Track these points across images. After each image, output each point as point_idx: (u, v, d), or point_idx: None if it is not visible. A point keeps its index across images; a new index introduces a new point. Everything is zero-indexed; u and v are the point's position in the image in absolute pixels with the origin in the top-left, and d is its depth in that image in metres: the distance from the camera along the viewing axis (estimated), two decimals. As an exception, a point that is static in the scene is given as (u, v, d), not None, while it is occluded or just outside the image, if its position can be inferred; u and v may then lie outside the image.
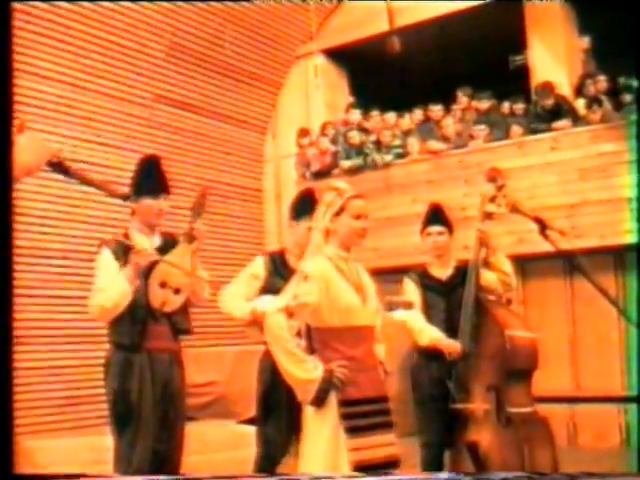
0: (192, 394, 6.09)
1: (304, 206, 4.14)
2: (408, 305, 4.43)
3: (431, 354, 4.35)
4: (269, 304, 3.73)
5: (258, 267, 4.18)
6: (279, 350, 3.08)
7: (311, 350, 3.16)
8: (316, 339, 3.16)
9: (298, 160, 9.44)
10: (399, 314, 4.45)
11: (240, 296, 4.10)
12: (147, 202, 3.80)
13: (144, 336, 3.73)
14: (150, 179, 3.84)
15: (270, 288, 4.04)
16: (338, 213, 3.21)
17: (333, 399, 3.06)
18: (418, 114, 8.96)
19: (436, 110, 8.75)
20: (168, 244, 3.89)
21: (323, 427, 3.06)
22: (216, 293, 4.22)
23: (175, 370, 3.84)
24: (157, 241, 3.90)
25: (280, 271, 4.12)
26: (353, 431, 3.03)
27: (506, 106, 8.35)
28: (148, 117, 8.47)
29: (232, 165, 9.48)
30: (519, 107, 8.14)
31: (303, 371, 3.05)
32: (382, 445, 3.10)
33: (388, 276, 6.45)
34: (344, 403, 3.05)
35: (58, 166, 2.68)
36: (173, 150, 8.47)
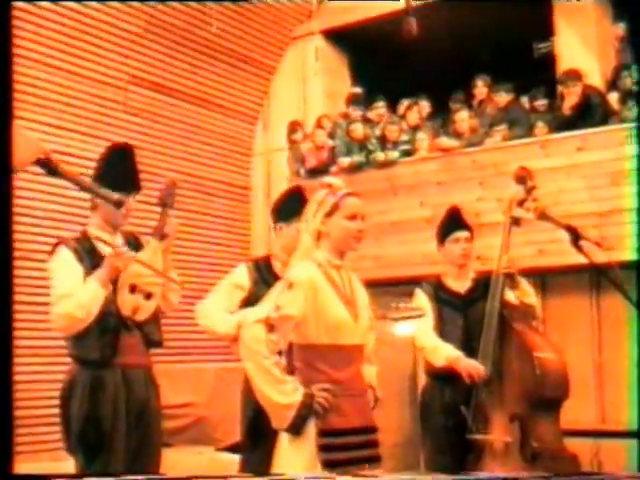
0: (166, 416, 5.98)
1: (293, 206, 4.09)
2: (418, 313, 4.34)
3: (444, 376, 4.29)
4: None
5: (242, 276, 4.14)
6: (254, 367, 2.99)
7: (290, 369, 3.08)
8: (297, 357, 3.08)
9: (291, 155, 9.36)
10: (403, 330, 4.36)
11: (222, 309, 4.04)
12: None
13: (116, 350, 3.63)
14: (120, 173, 3.73)
15: (255, 299, 3.90)
16: (330, 213, 3.13)
17: (312, 428, 2.98)
18: (428, 106, 8.91)
19: (449, 102, 8.68)
20: (131, 246, 3.81)
21: (298, 459, 3.00)
22: (192, 301, 4.14)
23: (151, 390, 3.76)
24: (119, 242, 3.80)
25: (266, 280, 4.07)
26: (332, 466, 2.95)
27: (528, 100, 8.28)
28: (122, 101, 8.37)
29: (217, 158, 9.43)
30: (543, 101, 8.07)
31: (281, 394, 2.96)
32: None
33: (390, 288, 6.39)
34: (324, 433, 2.97)
35: (46, 165, 2.74)
36: (150, 139, 8.41)
